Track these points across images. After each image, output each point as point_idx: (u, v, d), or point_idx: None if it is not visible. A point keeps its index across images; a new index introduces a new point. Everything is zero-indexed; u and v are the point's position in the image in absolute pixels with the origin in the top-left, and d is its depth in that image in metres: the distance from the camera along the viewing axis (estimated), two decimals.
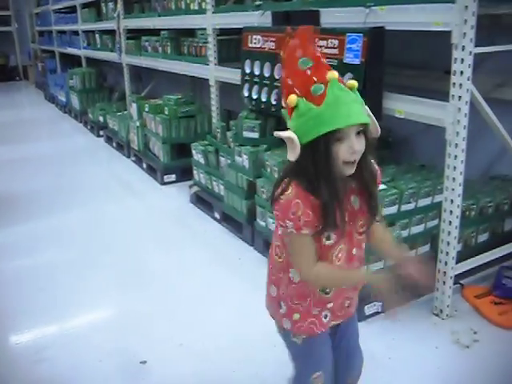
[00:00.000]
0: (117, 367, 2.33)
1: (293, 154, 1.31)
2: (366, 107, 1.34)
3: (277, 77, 3.21)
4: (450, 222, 2.46)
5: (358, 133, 1.28)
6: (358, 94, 1.32)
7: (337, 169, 1.30)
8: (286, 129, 1.33)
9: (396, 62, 3.22)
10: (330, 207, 1.31)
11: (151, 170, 5.15)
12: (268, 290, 1.60)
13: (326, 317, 1.54)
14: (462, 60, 2.22)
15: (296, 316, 1.53)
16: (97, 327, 2.68)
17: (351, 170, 1.32)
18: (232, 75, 3.98)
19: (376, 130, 1.37)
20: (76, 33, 8.73)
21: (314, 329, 1.54)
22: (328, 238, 1.39)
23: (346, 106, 1.26)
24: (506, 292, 2.66)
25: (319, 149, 1.27)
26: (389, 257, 1.49)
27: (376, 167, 1.46)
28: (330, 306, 1.52)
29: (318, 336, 1.55)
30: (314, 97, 1.27)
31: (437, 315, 2.58)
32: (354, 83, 1.31)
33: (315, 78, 1.28)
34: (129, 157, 5.83)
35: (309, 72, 1.29)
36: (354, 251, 1.47)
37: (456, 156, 2.35)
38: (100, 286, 3.03)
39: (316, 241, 1.38)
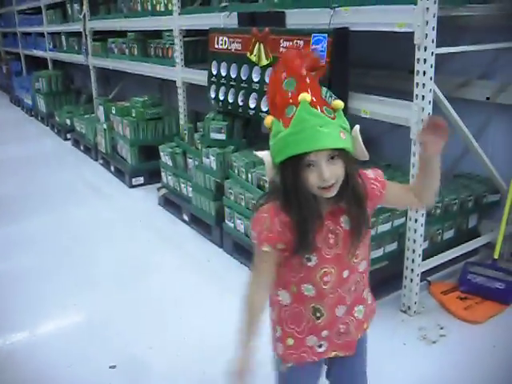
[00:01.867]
0: (86, 373, 2.31)
1: (267, 173, 1.32)
2: (356, 128, 1.28)
3: (243, 78, 3.21)
4: (416, 220, 2.50)
5: (333, 157, 1.20)
6: (341, 114, 1.25)
7: (311, 191, 1.24)
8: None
9: (363, 63, 3.26)
10: (301, 227, 1.26)
11: (119, 173, 5.09)
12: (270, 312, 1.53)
13: (320, 346, 1.46)
14: (425, 60, 2.26)
15: (290, 341, 1.46)
16: (64, 332, 2.64)
17: (330, 194, 1.24)
18: (199, 76, 3.96)
19: (362, 153, 1.29)
20: (41, 34, 8.59)
21: (306, 357, 1.46)
22: (309, 260, 1.33)
23: (312, 131, 1.18)
24: (471, 287, 2.71)
25: (287, 172, 1.23)
26: (425, 164, 1.39)
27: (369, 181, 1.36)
28: (324, 334, 1.44)
29: (305, 366, 1.48)
30: (285, 118, 1.21)
31: (405, 312, 2.61)
32: (339, 103, 1.24)
33: (291, 100, 1.21)
34: (96, 160, 5.76)
35: (290, 94, 1.22)
36: (346, 274, 1.38)
37: None
38: (67, 291, 2.98)
39: (296, 261, 1.33)
